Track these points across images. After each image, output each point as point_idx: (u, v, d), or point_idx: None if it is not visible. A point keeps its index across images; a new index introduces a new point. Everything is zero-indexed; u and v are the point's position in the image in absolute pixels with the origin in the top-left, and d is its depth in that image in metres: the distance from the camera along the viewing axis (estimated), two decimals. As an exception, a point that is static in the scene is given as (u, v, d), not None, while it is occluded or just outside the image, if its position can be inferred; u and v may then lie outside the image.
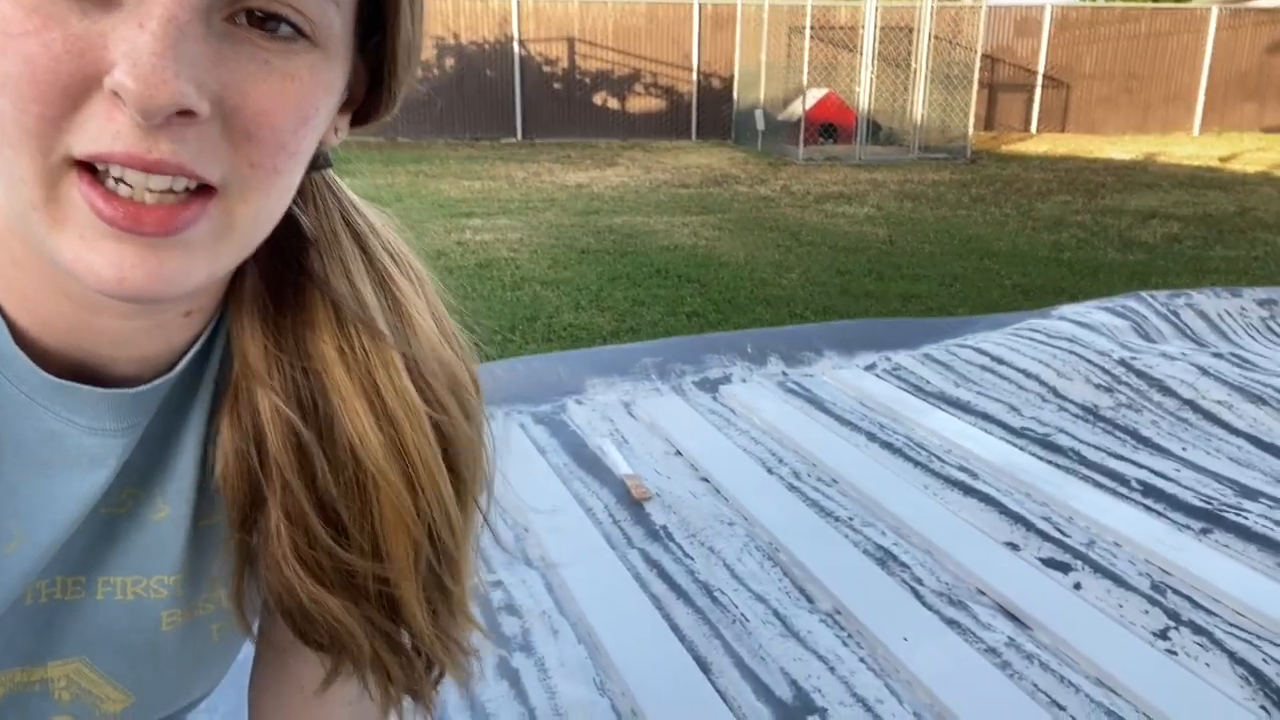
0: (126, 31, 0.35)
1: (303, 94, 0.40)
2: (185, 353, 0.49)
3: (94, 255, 0.37)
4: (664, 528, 1.54)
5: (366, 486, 0.48)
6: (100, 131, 0.35)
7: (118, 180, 0.36)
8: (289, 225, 0.48)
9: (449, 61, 14.66)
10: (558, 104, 15.27)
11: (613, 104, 15.52)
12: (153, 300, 0.38)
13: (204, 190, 0.38)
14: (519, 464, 1.78)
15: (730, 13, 14.73)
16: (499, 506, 1.72)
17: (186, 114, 0.36)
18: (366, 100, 0.46)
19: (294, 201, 0.46)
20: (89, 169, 0.36)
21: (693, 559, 1.44)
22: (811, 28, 11.57)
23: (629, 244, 4.69)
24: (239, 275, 0.48)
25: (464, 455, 0.54)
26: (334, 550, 0.48)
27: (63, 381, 0.44)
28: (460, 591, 0.54)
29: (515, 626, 1.25)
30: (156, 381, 0.47)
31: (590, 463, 1.81)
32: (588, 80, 15.49)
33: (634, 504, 1.62)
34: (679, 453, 1.86)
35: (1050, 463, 1.77)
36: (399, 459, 0.48)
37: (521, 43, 14.96)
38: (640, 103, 15.65)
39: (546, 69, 15.25)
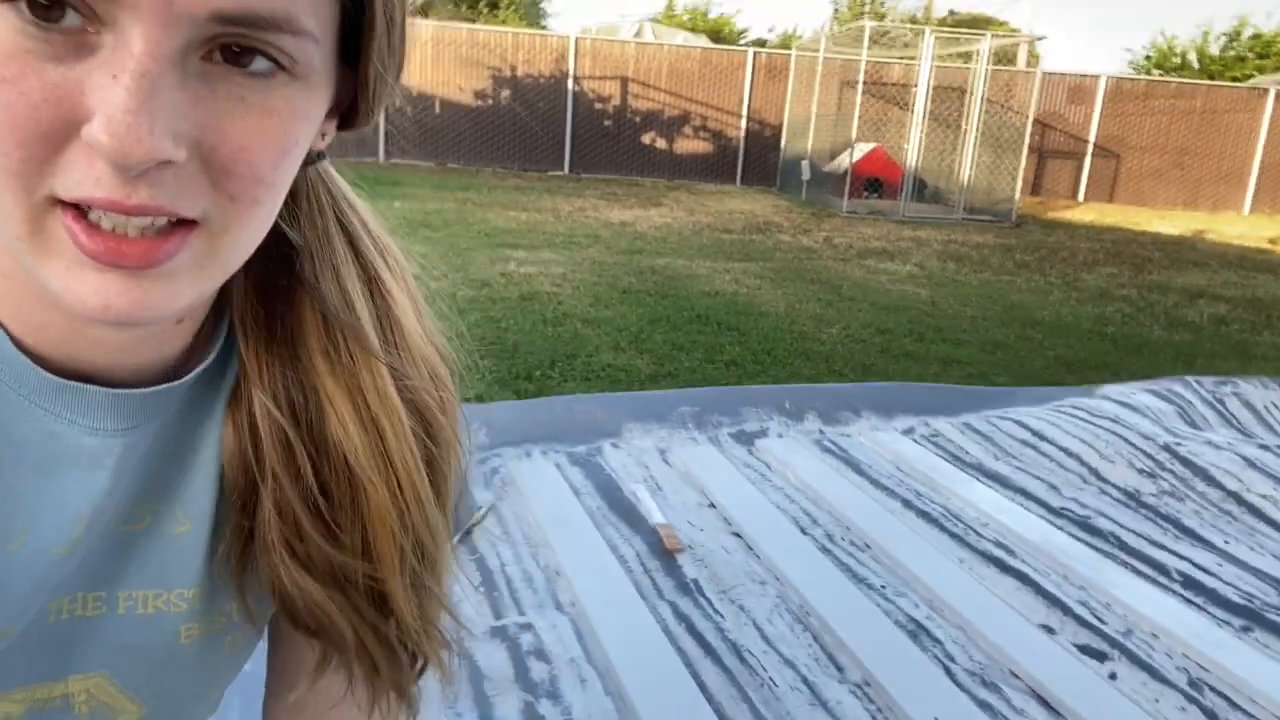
0: (100, 81, 0.36)
1: (281, 129, 0.41)
2: (189, 357, 0.50)
3: (80, 285, 0.38)
4: (695, 581, 1.54)
5: (353, 485, 0.50)
6: (82, 178, 0.37)
7: (99, 218, 0.37)
8: (280, 231, 0.49)
9: (504, 93, 14.93)
10: (607, 141, 15.46)
11: (660, 144, 15.68)
12: (139, 325, 0.40)
13: (186, 221, 0.39)
14: (553, 504, 1.79)
15: (783, 63, 14.89)
16: (531, 546, 1.71)
17: (164, 162, 0.37)
18: (350, 108, 0.47)
19: (286, 202, 0.46)
20: (74, 205, 0.37)
21: (722, 616, 1.43)
22: (864, 82, 11.64)
23: (670, 286, 4.71)
24: (232, 283, 0.50)
25: (443, 451, 0.54)
26: (321, 544, 0.50)
27: (66, 381, 0.45)
28: (439, 587, 0.55)
29: (543, 672, 1.25)
30: (162, 386, 0.48)
31: (624, 509, 1.81)
32: (638, 119, 15.68)
33: (666, 554, 1.62)
34: (712, 505, 1.86)
35: (1089, 545, 1.74)
36: (380, 460, 0.50)
37: (576, 79, 15.21)
38: (688, 145, 15.80)
39: (598, 106, 15.47)
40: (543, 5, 25.20)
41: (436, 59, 14.71)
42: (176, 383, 0.49)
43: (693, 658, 1.32)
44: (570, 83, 15.27)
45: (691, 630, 1.39)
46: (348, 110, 0.47)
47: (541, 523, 1.70)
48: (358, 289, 0.51)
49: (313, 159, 0.49)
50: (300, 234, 0.51)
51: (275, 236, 0.48)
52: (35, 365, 0.45)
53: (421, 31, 14.40)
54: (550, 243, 6.05)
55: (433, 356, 0.54)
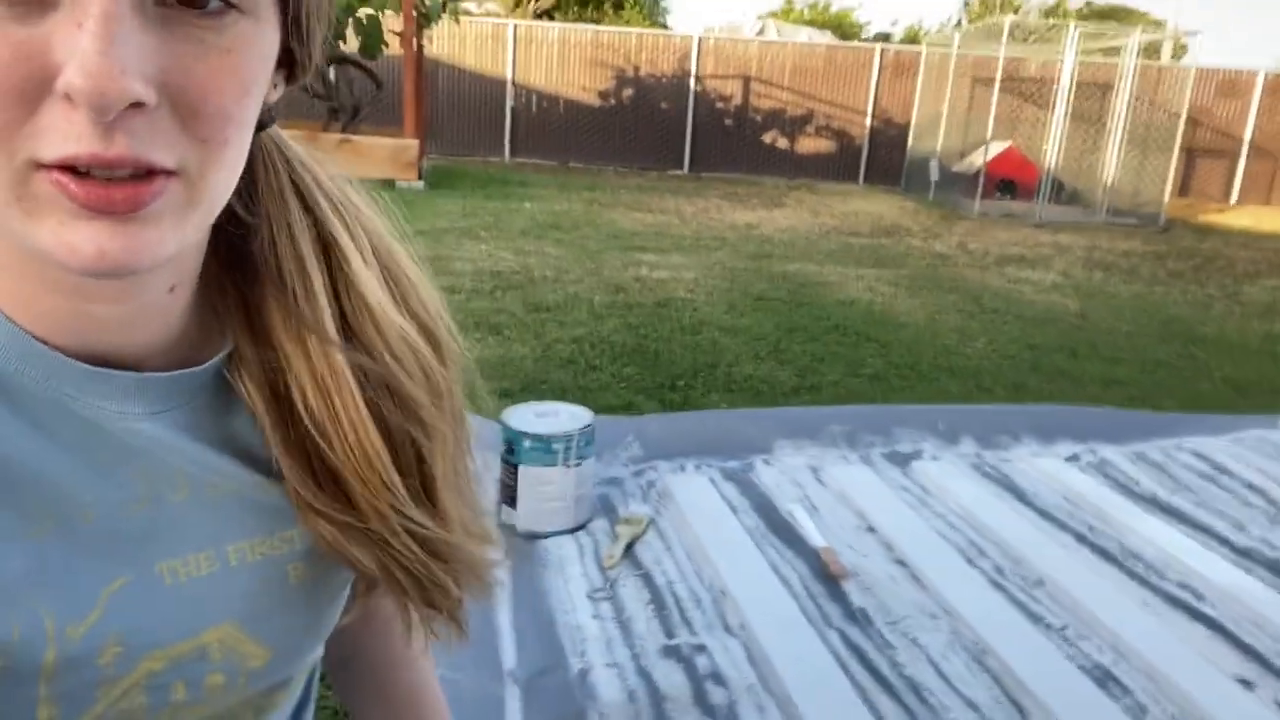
0: (67, 33, 0.37)
1: (241, 65, 0.42)
2: (202, 346, 0.53)
3: (73, 236, 0.40)
4: (862, 610, 1.52)
5: (322, 440, 0.53)
6: (63, 136, 0.38)
7: (85, 171, 0.38)
8: (241, 201, 0.52)
9: (626, 92, 15.06)
10: (727, 140, 15.38)
11: (782, 143, 15.49)
12: (130, 271, 0.41)
13: (164, 171, 0.40)
14: (711, 521, 1.80)
15: (911, 59, 14.49)
16: (695, 564, 1.73)
17: (136, 105, 0.38)
18: (290, 58, 0.48)
19: (244, 172, 0.48)
20: (57, 165, 0.38)
21: (895, 649, 1.41)
22: (1000, 79, 11.22)
23: (803, 294, 4.67)
24: (210, 269, 0.53)
25: (413, 424, 0.56)
26: (316, 490, 0.54)
27: (94, 368, 0.48)
28: (439, 530, 0.58)
29: (722, 697, 1.26)
30: (184, 371, 0.51)
31: (782, 529, 1.80)
32: (759, 118, 15.54)
33: (829, 580, 1.61)
34: (871, 529, 1.83)
35: (1284, 592, 1.63)
36: (332, 421, 0.53)
37: (698, 78, 15.19)
38: (810, 143, 15.57)
39: (720, 105, 15.41)
40: (664, 4, 25.29)
41: (562, 60, 14.96)
42: (199, 368, 0.52)
43: (869, 691, 1.31)
44: (692, 82, 15.28)
45: (864, 662, 1.38)
46: (289, 60, 0.48)
47: (701, 539, 1.71)
48: (311, 252, 0.53)
49: (266, 121, 0.50)
50: (258, 198, 0.53)
51: (232, 209, 0.51)
52: (61, 355, 0.47)
53: (548, 34, 14.70)
54: (678, 245, 6.08)
55: (405, 325, 0.55)
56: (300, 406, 0.52)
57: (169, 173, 0.41)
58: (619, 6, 22.14)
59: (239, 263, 0.53)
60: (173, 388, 0.52)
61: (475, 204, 7.11)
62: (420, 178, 7.98)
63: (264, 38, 0.44)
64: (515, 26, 14.61)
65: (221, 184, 0.44)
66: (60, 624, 0.48)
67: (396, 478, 0.55)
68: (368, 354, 0.54)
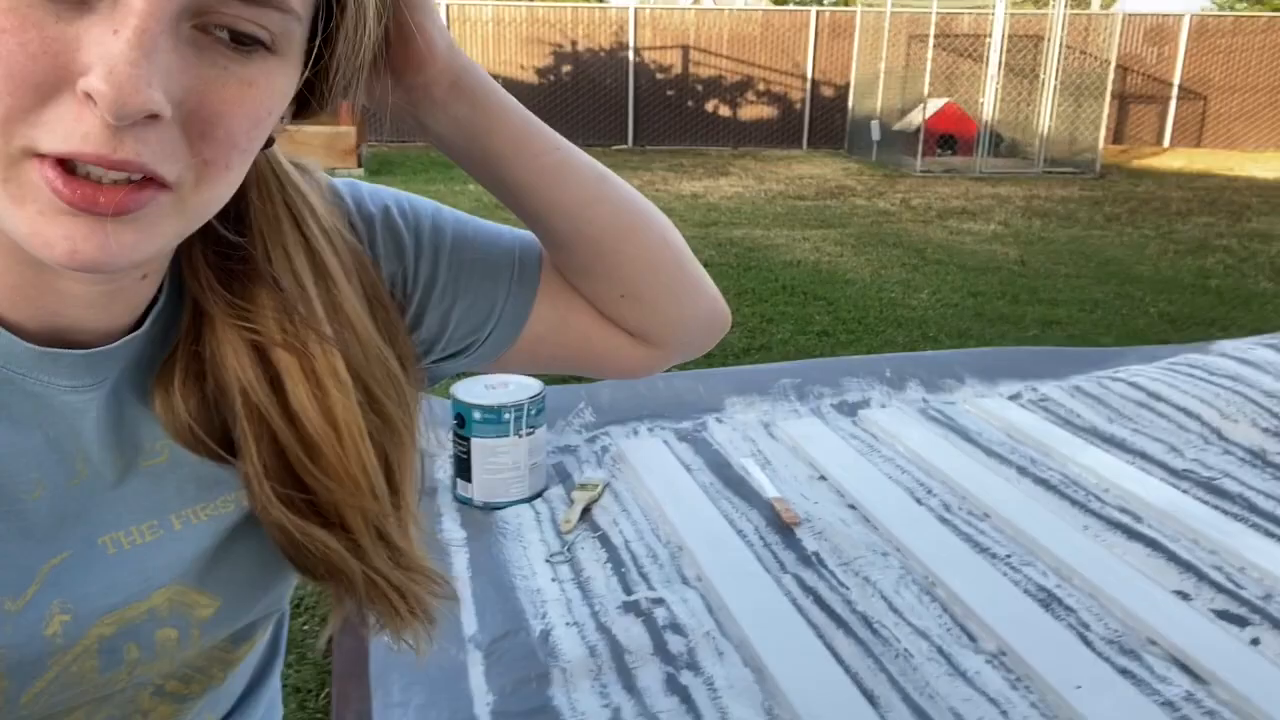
0: (100, 36, 0.38)
1: (259, 99, 0.43)
2: (148, 311, 0.53)
3: (50, 229, 0.40)
4: (816, 554, 1.55)
5: (312, 444, 0.54)
6: (70, 131, 0.39)
7: (76, 166, 0.39)
8: (235, 214, 0.53)
9: (565, 68, 14.93)
10: (669, 111, 15.34)
11: (724, 111, 15.49)
12: (102, 271, 0.42)
13: (158, 180, 0.41)
14: (666, 481, 1.82)
15: (847, 21, 14.54)
16: (651, 522, 1.75)
17: (152, 116, 0.39)
18: (308, 94, 0.49)
19: (240, 187, 0.49)
20: (53, 157, 0.39)
21: (848, 588, 1.44)
22: (934, 35, 11.30)
23: (751, 258, 4.69)
24: (190, 243, 0.53)
25: (391, 432, 0.58)
26: (307, 491, 0.54)
27: (45, 349, 0.48)
28: (405, 541, 0.59)
29: (681, 645, 1.28)
30: (124, 339, 0.52)
31: (736, 483, 1.83)
32: (700, 88, 15.51)
33: (784, 528, 1.64)
34: (823, 477, 1.86)
35: (1218, 509, 1.70)
36: (330, 427, 0.53)
37: (636, 50, 15.10)
38: (752, 110, 15.58)
39: (660, 76, 15.35)
40: (599, -23, 25.02)
41: (498, 39, 14.76)
42: (138, 332, 0.53)
43: (824, 630, 1.34)
44: (631, 54, 15.18)
45: (819, 602, 1.41)
46: (305, 96, 0.49)
47: (657, 499, 1.73)
48: (306, 272, 0.54)
49: (265, 144, 0.51)
50: (251, 217, 0.54)
51: (232, 210, 0.52)
52: (15, 337, 0.48)
53: (482, 12, 14.48)
54: (625, 218, 6.08)
55: (380, 344, 0.57)
56: (297, 407, 0.53)
57: (163, 184, 0.42)
58: (552, -18, 21.86)
59: (226, 263, 0.53)
60: (118, 356, 0.52)
61: (417, 188, 7.01)
62: (360, 165, 7.87)
63: (286, 75, 0.45)
64: (448, 6, 14.38)
65: (213, 202, 0.45)
66: None
67: (384, 484, 0.56)
68: (352, 364, 0.55)
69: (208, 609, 0.58)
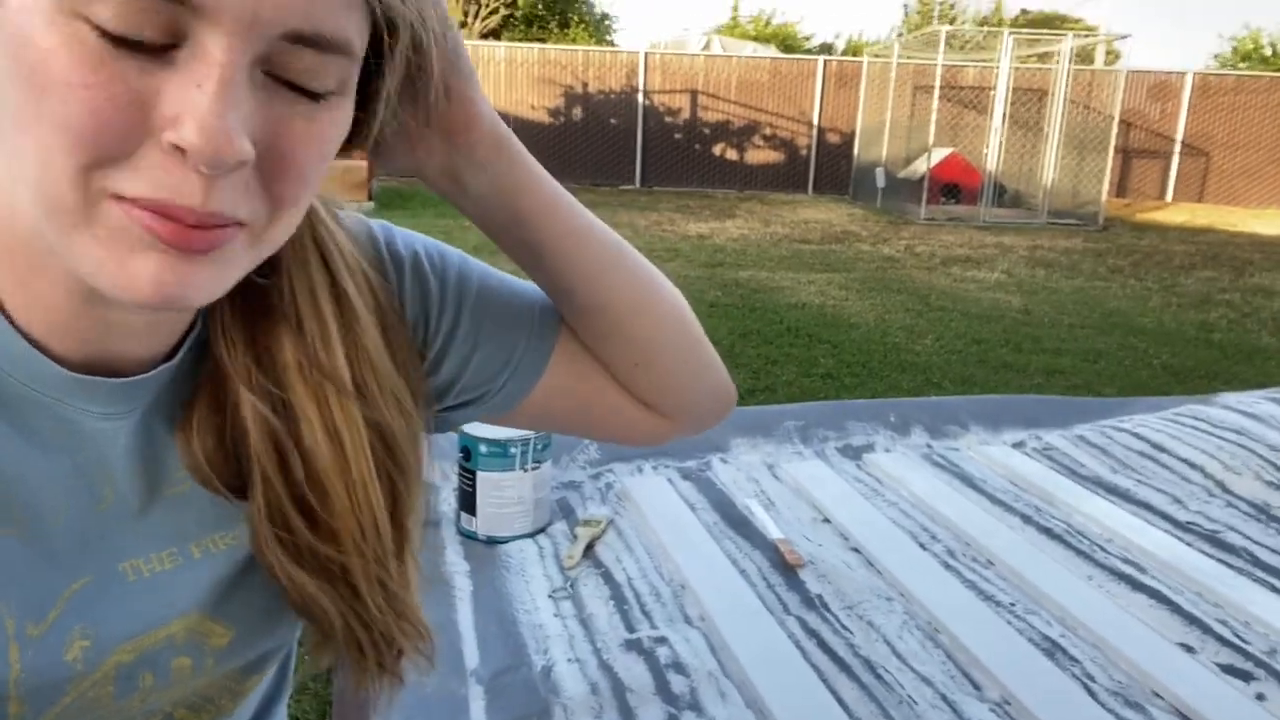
0: (182, 87, 0.39)
1: (324, 137, 0.45)
2: (181, 343, 0.54)
3: (136, 267, 0.42)
4: (819, 597, 1.55)
5: (322, 489, 0.54)
6: (159, 182, 0.40)
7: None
8: None
9: (575, 110, 15.12)
10: (677, 153, 15.50)
11: (731, 155, 15.65)
12: (180, 307, 0.44)
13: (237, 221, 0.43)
14: (670, 519, 1.82)
15: (854, 70, 14.75)
16: (654, 560, 1.75)
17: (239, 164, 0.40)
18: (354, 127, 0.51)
19: None
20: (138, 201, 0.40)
21: (852, 632, 1.44)
22: (940, 87, 11.47)
23: (756, 299, 4.72)
24: None
25: (402, 474, 0.59)
26: (306, 537, 0.55)
27: (82, 376, 0.50)
28: (404, 590, 0.60)
29: (683, 685, 1.28)
30: (160, 368, 0.53)
31: (739, 523, 1.83)
32: (708, 131, 15.70)
33: (787, 570, 1.64)
34: (827, 520, 1.86)
35: (1222, 561, 1.70)
36: (341, 470, 0.54)
37: (646, 93, 15.30)
38: (758, 155, 15.74)
39: (669, 119, 15.54)
40: (609, 22, 25.46)
41: (510, 79, 14.97)
42: (170, 363, 0.54)
43: (827, 674, 1.33)
44: (640, 97, 15.38)
45: (823, 646, 1.40)
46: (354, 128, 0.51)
47: (661, 537, 1.73)
48: (330, 310, 0.55)
49: None
50: (280, 253, 0.55)
51: None
52: (53, 363, 0.49)
53: (495, 53, 14.71)
54: (631, 257, 6.13)
55: (397, 382, 0.58)
56: (311, 452, 0.54)
57: (240, 223, 0.43)
58: (565, 25, 22.25)
59: (250, 300, 0.54)
60: (151, 385, 0.53)
61: (426, 223, 7.09)
62: (370, 198, 7.94)
63: (345, 112, 0.47)
64: (461, 46, 14.62)
65: (281, 237, 0.47)
66: (20, 623, 0.49)
67: (389, 524, 0.57)
68: (369, 404, 0.56)
69: (223, 638, 0.59)
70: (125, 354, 0.51)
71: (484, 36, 18.58)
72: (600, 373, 0.69)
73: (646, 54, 14.79)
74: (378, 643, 0.60)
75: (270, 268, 0.54)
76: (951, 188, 11.23)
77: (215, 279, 0.44)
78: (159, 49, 0.38)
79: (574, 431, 0.74)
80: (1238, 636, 1.45)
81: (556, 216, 0.63)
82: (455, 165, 0.59)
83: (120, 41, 0.38)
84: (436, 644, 0.64)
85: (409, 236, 0.68)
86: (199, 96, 0.38)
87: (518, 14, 20.48)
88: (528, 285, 0.71)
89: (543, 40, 19.43)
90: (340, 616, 0.57)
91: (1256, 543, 1.76)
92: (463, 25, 19.16)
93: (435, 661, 0.65)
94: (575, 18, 22.46)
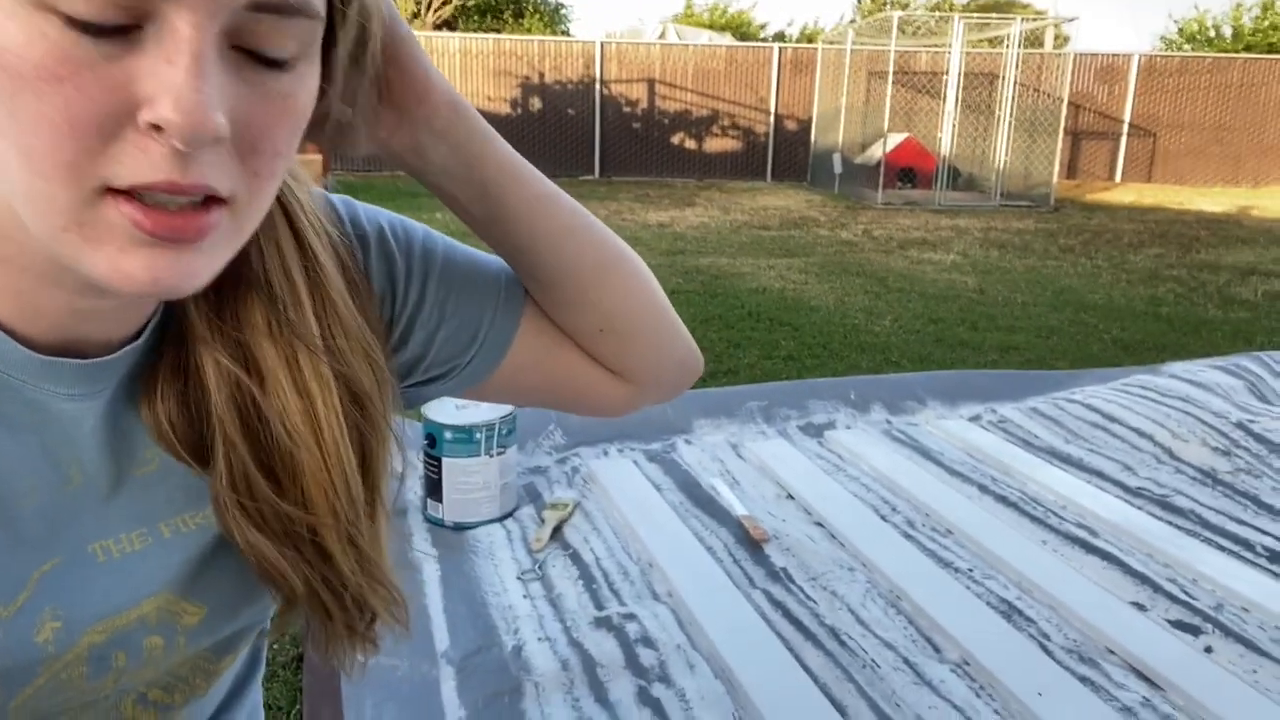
0: (155, 68, 0.39)
1: (297, 108, 0.45)
2: (148, 323, 0.55)
3: (131, 264, 0.42)
4: (784, 570, 1.57)
5: (290, 447, 0.54)
6: (137, 164, 0.40)
7: (144, 196, 0.41)
8: None
9: (532, 100, 15.02)
10: (635, 143, 15.47)
11: (690, 144, 15.66)
12: (179, 295, 0.44)
13: (215, 198, 0.43)
14: (636, 500, 1.84)
15: (809, 57, 14.82)
16: (621, 540, 1.76)
17: (215, 139, 0.40)
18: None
19: None
20: (124, 191, 0.40)
21: (816, 602, 1.47)
22: (893, 72, 11.58)
23: (717, 285, 4.75)
24: None
25: (371, 428, 0.60)
26: (272, 501, 0.54)
27: (47, 358, 0.50)
28: (375, 550, 0.60)
29: (652, 658, 1.29)
30: (125, 349, 0.54)
31: (705, 502, 1.85)
32: (666, 121, 15.69)
33: (752, 545, 1.66)
34: (790, 496, 1.89)
35: (1170, 524, 1.76)
36: (311, 426, 0.54)
37: (603, 83, 15.25)
38: (717, 143, 15.77)
39: (626, 109, 15.50)
40: (564, 11, 25.31)
41: (465, 71, 14.83)
42: (136, 343, 0.54)
43: (793, 642, 1.36)
44: (598, 87, 15.32)
45: (788, 616, 1.43)
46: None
47: (628, 518, 1.74)
48: (297, 265, 0.55)
49: None
50: None
51: None
52: (17, 344, 0.49)
53: (449, 44, 14.56)
54: (592, 247, 6.13)
55: (367, 336, 0.58)
56: (280, 412, 0.53)
57: (221, 201, 0.43)
58: (519, 15, 22.07)
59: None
60: (117, 366, 0.53)
61: (384, 217, 7.03)
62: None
63: (313, 79, 0.47)
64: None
65: (261, 213, 0.47)
66: None
67: (360, 484, 0.57)
68: (339, 359, 0.56)
69: (194, 617, 0.59)
70: (94, 336, 0.51)
71: (437, 28, 18.38)
72: (566, 343, 0.70)
73: (603, 43, 14.73)
74: (348, 607, 0.59)
75: None
76: (907, 172, 11.36)
77: (208, 265, 0.45)
78: (125, 32, 0.38)
79: (542, 403, 0.74)
80: (1186, 594, 1.50)
81: (519, 183, 0.63)
82: (416, 139, 0.59)
83: (87, 28, 0.37)
84: (410, 609, 0.64)
85: (372, 211, 0.68)
86: (172, 73, 0.38)
87: (471, 4, 20.28)
88: (491, 258, 0.71)
89: (497, 31, 19.28)
90: (305, 582, 0.57)
91: (1204, 505, 1.82)
92: (415, 16, 18.92)
93: (409, 627, 0.65)
94: (530, 7, 22.30)
